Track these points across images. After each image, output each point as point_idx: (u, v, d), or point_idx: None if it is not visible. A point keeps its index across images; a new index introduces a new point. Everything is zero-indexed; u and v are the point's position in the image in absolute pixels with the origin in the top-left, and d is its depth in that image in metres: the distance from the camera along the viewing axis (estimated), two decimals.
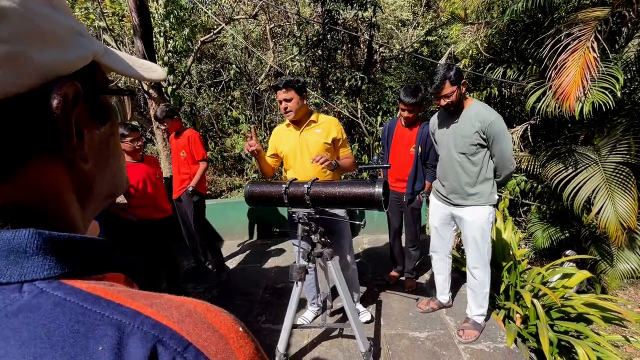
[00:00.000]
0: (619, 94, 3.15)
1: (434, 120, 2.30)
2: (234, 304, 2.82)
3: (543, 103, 3.51)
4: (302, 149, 2.04)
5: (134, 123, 6.04)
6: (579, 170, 3.37)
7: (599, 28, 3.04)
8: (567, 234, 3.97)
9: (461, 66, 4.69)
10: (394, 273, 3.05)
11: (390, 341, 2.24)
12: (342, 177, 2.50)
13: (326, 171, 1.98)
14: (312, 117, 2.05)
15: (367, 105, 6.66)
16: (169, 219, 2.61)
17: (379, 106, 6.56)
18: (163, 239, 2.57)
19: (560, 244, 4.05)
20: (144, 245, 2.47)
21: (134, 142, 2.35)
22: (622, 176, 3.19)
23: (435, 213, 2.36)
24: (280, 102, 1.98)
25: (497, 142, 1.95)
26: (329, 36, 6.32)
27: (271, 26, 8.27)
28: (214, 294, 3.00)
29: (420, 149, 2.61)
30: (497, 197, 2.13)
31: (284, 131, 2.14)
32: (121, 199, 2.49)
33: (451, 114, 2.10)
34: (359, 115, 5.97)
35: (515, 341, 2.18)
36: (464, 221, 2.16)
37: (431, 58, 5.95)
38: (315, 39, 6.50)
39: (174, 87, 5.60)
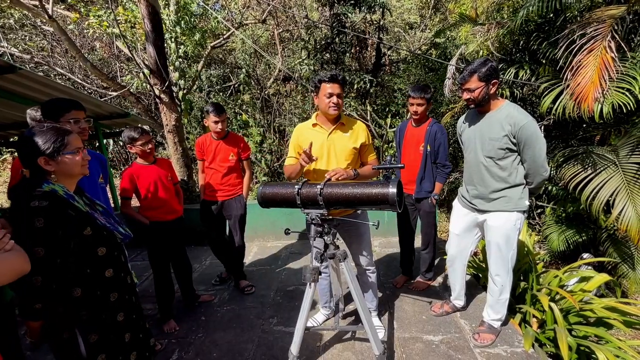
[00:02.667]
0: (639, 94, 3.08)
1: (461, 121, 2.20)
2: (245, 306, 2.82)
3: (559, 104, 3.44)
4: (329, 151, 1.96)
5: (145, 127, 6.14)
6: (597, 171, 3.28)
7: (615, 27, 2.97)
8: (584, 237, 3.88)
9: None
10: (401, 277, 3.01)
11: (404, 344, 2.20)
12: None
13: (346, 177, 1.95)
14: (342, 120, 1.96)
15: (376, 108, 6.65)
16: (180, 220, 2.62)
17: (388, 108, 6.54)
18: (175, 240, 2.59)
19: (577, 246, 3.95)
20: (156, 248, 2.49)
21: (145, 145, 2.36)
22: None
23: (458, 220, 2.25)
24: (331, 95, 1.85)
25: (528, 147, 1.83)
26: (337, 39, 6.35)
27: (279, 31, 8.35)
28: (225, 296, 3.01)
29: (429, 148, 2.58)
30: (527, 203, 1.98)
31: (309, 131, 2.01)
32: (134, 202, 2.52)
33: (480, 115, 2.00)
34: (368, 118, 5.96)
35: (533, 345, 2.13)
36: (489, 226, 2.05)
37: (439, 60, 5.92)
38: (323, 42, 6.53)
39: (185, 91, 5.69)
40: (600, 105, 3.02)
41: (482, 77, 1.85)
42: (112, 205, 3.52)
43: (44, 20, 5.12)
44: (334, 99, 1.86)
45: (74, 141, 1.25)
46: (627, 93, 3.02)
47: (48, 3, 4.29)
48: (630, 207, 3.02)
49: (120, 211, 2.47)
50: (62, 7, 6.40)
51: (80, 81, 7.11)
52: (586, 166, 3.36)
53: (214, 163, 2.84)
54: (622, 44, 2.95)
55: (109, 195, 2.95)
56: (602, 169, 3.27)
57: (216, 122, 2.72)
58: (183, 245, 2.71)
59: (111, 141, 8.38)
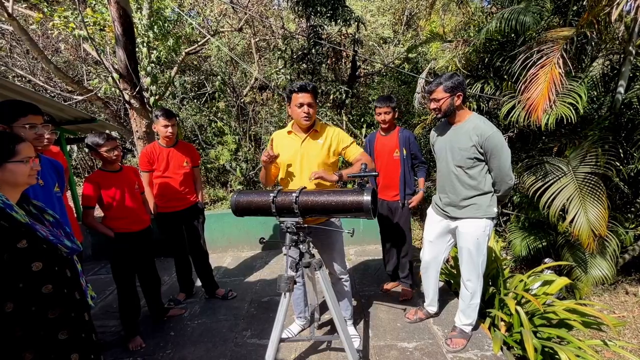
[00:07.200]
0: (581, 109, 3.37)
1: (433, 132, 2.31)
2: (217, 319, 2.72)
3: (514, 115, 3.72)
4: (302, 158, 1.98)
5: (113, 133, 5.87)
6: (553, 180, 3.52)
7: (565, 47, 3.26)
8: (545, 242, 4.11)
9: None
10: (392, 284, 3.03)
11: (379, 352, 2.21)
12: None
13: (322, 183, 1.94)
14: (316, 127, 1.99)
15: (351, 118, 6.78)
16: (148, 231, 2.50)
17: (363, 119, 6.69)
18: (142, 252, 2.46)
19: (538, 252, 4.18)
20: (119, 261, 2.35)
21: (110, 151, 2.23)
22: (592, 185, 3.36)
23: (432, 227, 2.32)
24: (301, 105, 1.89)
25: (494, 156, 1.92)
26: (313, 50, 6.45)
27: (256, 40, 8.36)
28: (197, 309, 2.89)
29: (404, 152, 2.67)
30: (495, 210, 2.06)
31: (285, 138, 2.04)
32: (98, 212, 2.38)
33: (449, 126, 2.10)
34: (344, 128, 6.05)
35: (502, 349, 2.20)
36: (460, 233, 2.13)
37: (412, 74, 6.16)
38: (300, 53, 6.61)
39: (157, 97, 5.51)
40: (547, 116, 3.30)
41: (447, 89, 1.96)
42: (75, 214, 3.29)
43: (3, 19, 4.82)
44: (305, 108, 1.90)
45: (24, 149, 1.18)
46: (572, 107, 3.35)
47: (8, 1, 4.04)
48: (582, 213, 3.26)
49: (82, 222, 2.32)
50: (24, 5, 6.05)
51: (42, 84, 6.70)
52: (539, 175, 3.62)
53: (169, 171, 2.71)
54: (569, 63, 3.25)
55: (72, 204, 2.78)
56: (556, 178, 3.52)
57: (166, 126, 2.61)
58: (151, 257, 2.58)
59: (75, 147, 7.92)
